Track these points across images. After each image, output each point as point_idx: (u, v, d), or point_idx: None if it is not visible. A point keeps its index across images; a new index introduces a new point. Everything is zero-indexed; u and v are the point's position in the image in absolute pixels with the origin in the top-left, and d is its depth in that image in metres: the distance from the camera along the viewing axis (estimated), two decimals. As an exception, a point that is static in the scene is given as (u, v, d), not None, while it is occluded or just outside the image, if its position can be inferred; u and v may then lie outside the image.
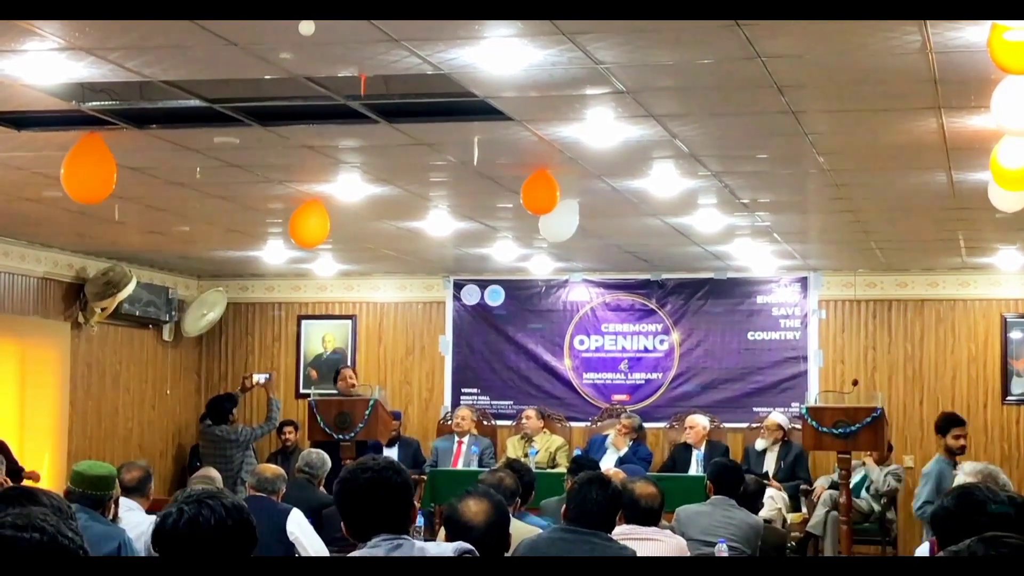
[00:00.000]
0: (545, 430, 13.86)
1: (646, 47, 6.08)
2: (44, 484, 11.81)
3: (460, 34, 5.85)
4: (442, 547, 4.06)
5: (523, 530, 6.25)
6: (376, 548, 3.98)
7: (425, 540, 7.45)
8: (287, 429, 14.22)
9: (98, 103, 7.24)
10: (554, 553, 5.50)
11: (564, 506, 5.78)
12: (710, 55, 6.22)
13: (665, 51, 6.17)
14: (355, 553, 4.05)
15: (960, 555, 2.28)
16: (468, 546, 4.07)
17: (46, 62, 6.30)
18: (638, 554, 5.67)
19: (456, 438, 13.52)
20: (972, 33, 5.68)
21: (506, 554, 4.80)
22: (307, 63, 6.39)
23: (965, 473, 5.57)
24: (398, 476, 4.11)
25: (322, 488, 9.69)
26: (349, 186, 9.51)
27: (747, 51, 6.03)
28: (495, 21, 5.63)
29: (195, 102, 7.18)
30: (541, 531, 6.19)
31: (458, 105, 7.24)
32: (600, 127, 7.60)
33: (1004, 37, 5.13)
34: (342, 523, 4.14)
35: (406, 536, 4.03)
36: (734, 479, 8.21)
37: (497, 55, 6.15)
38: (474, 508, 4.63)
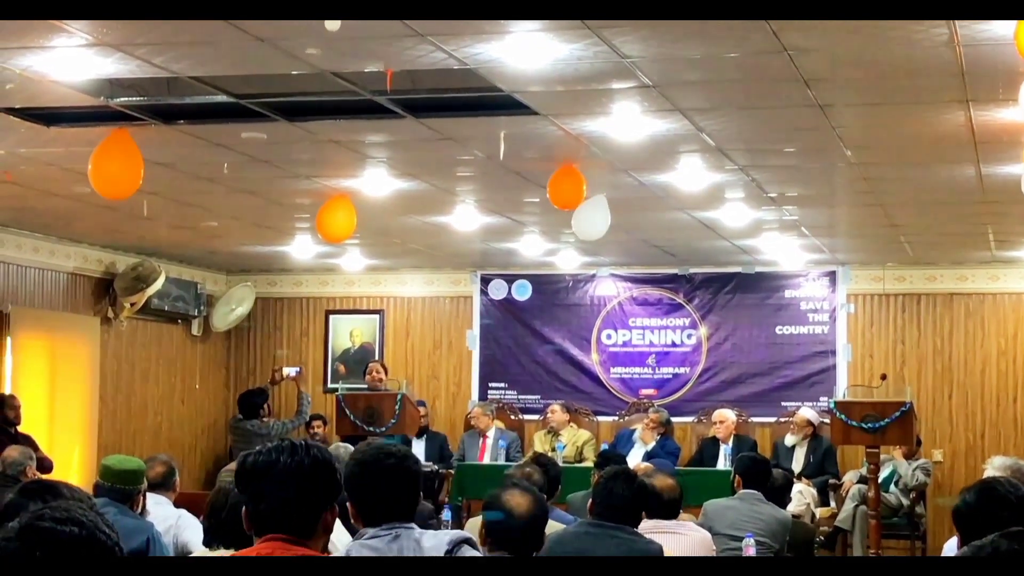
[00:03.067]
0: (572, 424, 13.83)
1: (672, 41, 6.08)
2: (74, 478, 11.88)
3: (486, 29, 5.85)
4: (438, 536, 4.08)
5: (550, 526, 6.24)
6: (376, 539, 4.00)
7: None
8: (315, 423, 14.27)
9: (126, 99, 7.27)
10: (580, 547, 5.50)
11: (590, 500, 5.78)
12: (736, 49, 6.21)
13: (691, 45, 6.16)
14: (356, 541, 4.08)
15: (984, 550, 2.27)
16: (465, 534, 4.08)
17: (74, 58, 6.34)
18: (663, 547, 5.66)
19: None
20: (999, 26, 5.65)
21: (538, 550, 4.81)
22: (333, 58, 6.41)
23: (994, 468, 5.55)
24: (416, 464, 4.16)
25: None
26: (376, 181, 9.52)
27: (773, 45, 6.01)
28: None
29: (222, 98, 7.21)
30: (567, 526, 6.19)
31: (484, 100, 7.25)
32: (626, 121, 7.59)
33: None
34: (351, 504, 4.11)
35: (410, 524, 4.05)
36: (762, 473, 8.19)
37: (522, 50, 6.16)
38: (518, 499, 4.68)
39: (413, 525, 4.04)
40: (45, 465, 10.44)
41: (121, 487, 6.37)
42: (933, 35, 5.85)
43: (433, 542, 4.02)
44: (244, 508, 3.26)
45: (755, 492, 7.98)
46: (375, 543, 3.99)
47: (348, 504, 4.12)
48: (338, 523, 7.80)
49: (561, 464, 12.31)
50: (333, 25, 5.36)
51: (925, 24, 5.71)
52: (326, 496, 3.23)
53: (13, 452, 8.49)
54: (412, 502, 4.10)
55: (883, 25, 5.73)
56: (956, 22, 5.66)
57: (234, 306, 15.21)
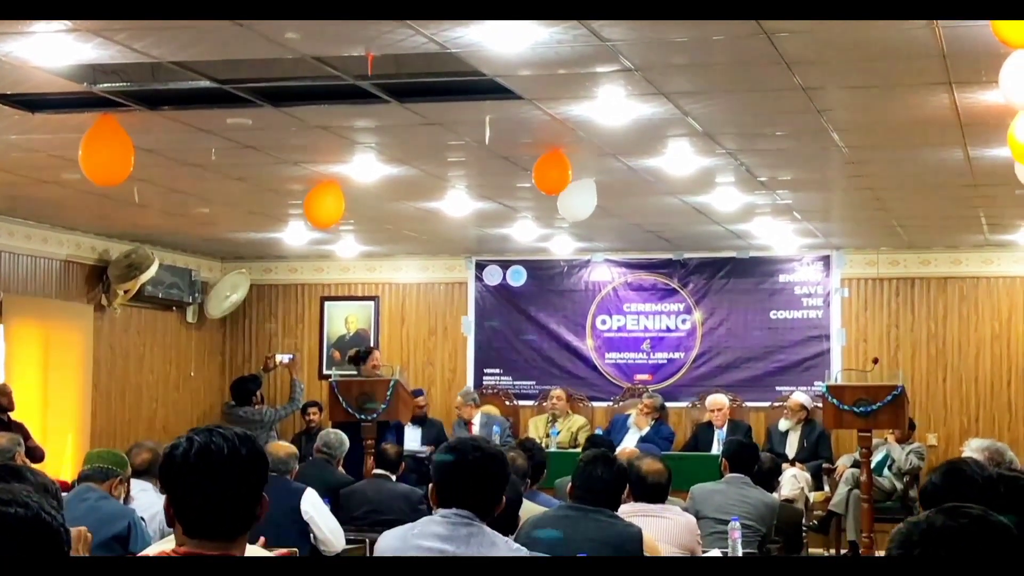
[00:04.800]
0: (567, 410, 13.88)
1: (652, 24, 6.06)
2: (67, 466, 11.91)
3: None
4: (510, 546, 4.24)
5: (532, 509, 6.25)
6: (445, 520, 4.21)
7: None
8: (311, 410, 14.28)
9: (109, 84, 7.26)
10: (559, 529, 5.50)
11: (570, 484, 5.78)
12: (718, 32, 6.20)
13: (672, 28, 6.15)
14: (426, 519, 4.30)
15: (919, 526, 2.26)
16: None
17: (54, 43, 6.33)
18: (645, 532, 5.67)
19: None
20: (978, 7, 5.64)
21: (512, 534, 4.83)
22: (314, 43, 6.40)
23: (971, 450, 5.55)
24: (498, 467, 4.31)
25: (340, 468, 9.73)
26: (365, 166, 9.51)
27: (753, 28, 6.00)
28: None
29: (206, 83, 7.20)
30: (548, 509, 6.20)
31: (468, 84, 7.23)
32: (611, 105, 7.57)
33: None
34: (433, 484, 4.31)
35: (482, 525, 4.20)
36: (749, 457, 8.21)
37: (502, 33, 6.14)
38: None
39: (485, 528, 4.21)
40: (36, 455, 10.43)
41: (100, 466, 6.42)
42: (912, 16, 5.84)
43: (506, 550, 4.20)
44: (171, 503, 3.03)
45: (742, 476, 8.00)
46: (440, 520, 4.23)
47: (431, 485, 4.34)
48: (327, 509, 7.81)
49: (556, 449, 12.42)
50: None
51: (907, 20, 5.70)
52: (261, 486, 3.08)
53: (1, 440, 8.48)
54: (485, 499, 4.25)
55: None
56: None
57: (229, 293, 15.22)
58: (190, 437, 3.06)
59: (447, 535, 4.17)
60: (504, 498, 4.35)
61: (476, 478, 4.23)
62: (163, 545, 4.99)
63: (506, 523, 4.74)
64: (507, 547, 4.22)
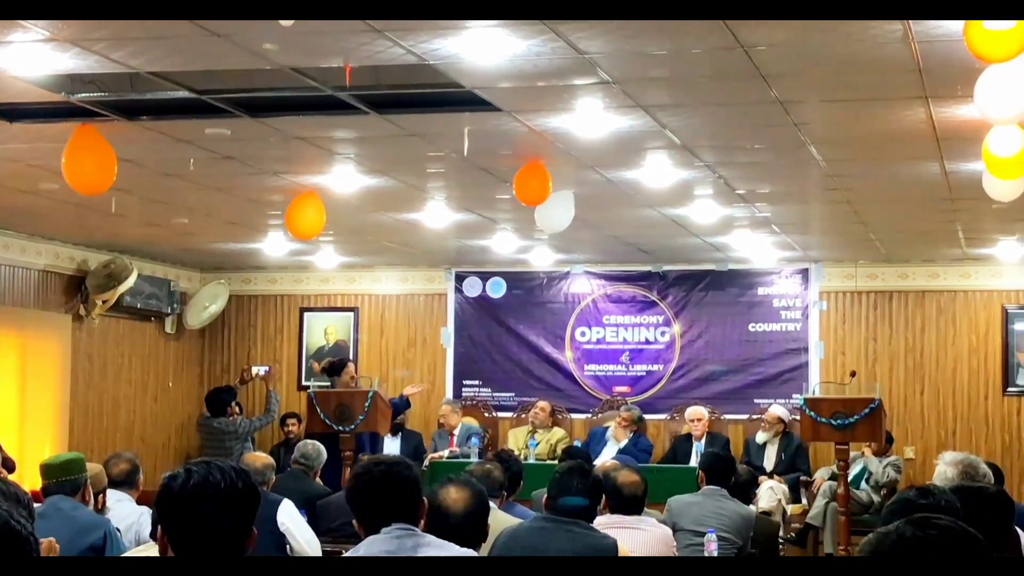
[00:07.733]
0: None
1: (630, 37, 6.08)
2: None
3: (442, 24, 5.84)
4: (448, 550, 4.24)
5: (508, 521, 6.24)
6: (388, 536, 4.19)
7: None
8: (290, 421, 14.24)
9: (87, 94, 7.25)
10: (533, 542, 5.50)
11: (545, 495, 5.78)
12: (695, 45, 6.22)
13: (649, 41, 6.17)
14: (368, 540, 4.23)
15: (889, 536, 2.27)
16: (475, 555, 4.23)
17: (31, 53, 6.32)
18: (620, 543, 5.67)
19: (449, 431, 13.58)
20: (952, 23, 5.66)
21: (484, 543, 4.83)
22: (291, 54, 6.40)
23: (945, 463, 5.57)
24: (408, 470, 4.35)
25: (317, 479, 9.71)
26: (345, 177, 9.52)
27: (729, 41, 6.02)
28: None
29: (184, 93, 7.19)
30: (522, 521, 6.19)
31: (446, 96, 7.24)
32: (589, 118, 7.59)
33: (981, 25, 5.12)
34: (356, 520, 4.36)
35: (415, 528, 4.23)
36: (725, 469, 8.22)
37: (480, 45, 6.16)
38: (454, 495, 4.68)
39: (417, 529, 4.25)
40: (8, 465, 10.40)
41: (66, 479, 6.39)
42: (887, 31, 5.86)
43: (452, 551, 4.22)
44: (164, 532, 3.13)
45: (719, 488, 8.01)
46: (384, 538, 4.20)
47: (354, 521, 4.37)
48: (303, 520, 7.79)
49: (533, 461, 12.41)
50: (286, 20, 5.35)
51: (878, 20, 5.72)
52: (252, 520, 3.17)
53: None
54: (409, 506, 4.27)
55: (837, 21, 5.74)
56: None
57: (208, 304, 15.18)
58: (188, 469, 3.16)
59: (394, 549, 4.16)
60: (424, 501, 4.37)
61: (388, 490, 4.26)
62: (138, 553, 4.98)
63: (475, 534, 4.72)
64: (458, 551, 4.25)
